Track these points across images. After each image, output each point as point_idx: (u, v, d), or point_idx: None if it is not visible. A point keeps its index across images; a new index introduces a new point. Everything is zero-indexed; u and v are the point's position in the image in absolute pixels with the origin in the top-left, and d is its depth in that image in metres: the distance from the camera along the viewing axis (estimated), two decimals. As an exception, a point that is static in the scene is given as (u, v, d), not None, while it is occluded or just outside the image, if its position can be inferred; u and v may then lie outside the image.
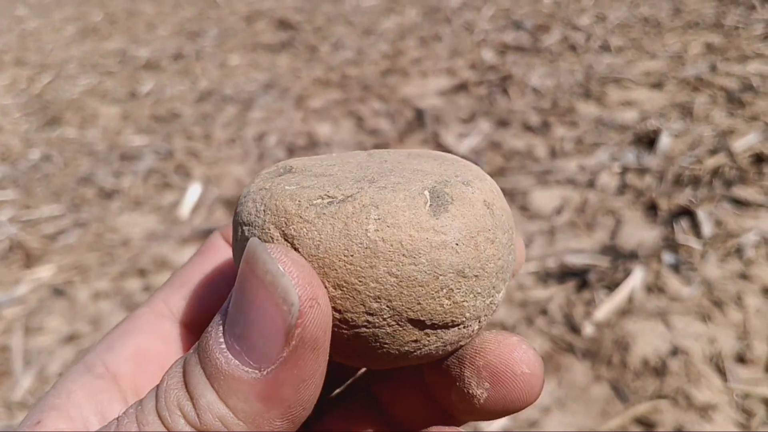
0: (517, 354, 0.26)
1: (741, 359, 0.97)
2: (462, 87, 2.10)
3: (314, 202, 0.25)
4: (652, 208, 1.34)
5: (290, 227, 0.24)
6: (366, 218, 0.24)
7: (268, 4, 3.63)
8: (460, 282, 0.24)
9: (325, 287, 0.23)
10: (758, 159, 1.44)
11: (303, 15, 3.29)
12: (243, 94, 2.30)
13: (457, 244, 0.24)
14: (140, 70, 2.73)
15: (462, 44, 2.52)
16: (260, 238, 0.25)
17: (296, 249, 0.24)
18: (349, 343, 0.25)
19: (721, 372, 0.95)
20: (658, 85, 1.91)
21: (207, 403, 0.21)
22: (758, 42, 2.09)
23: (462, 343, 0.27)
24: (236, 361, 0.21)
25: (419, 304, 0.24)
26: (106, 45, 3.16)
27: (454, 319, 0.25)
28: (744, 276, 1.12)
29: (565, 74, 2.08)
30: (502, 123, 1.81)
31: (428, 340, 0.25)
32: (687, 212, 1.30)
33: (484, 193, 0.27)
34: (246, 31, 3.14)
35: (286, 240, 0.24)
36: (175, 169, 1.80)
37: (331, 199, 0.25)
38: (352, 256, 0.23)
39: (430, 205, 0.25)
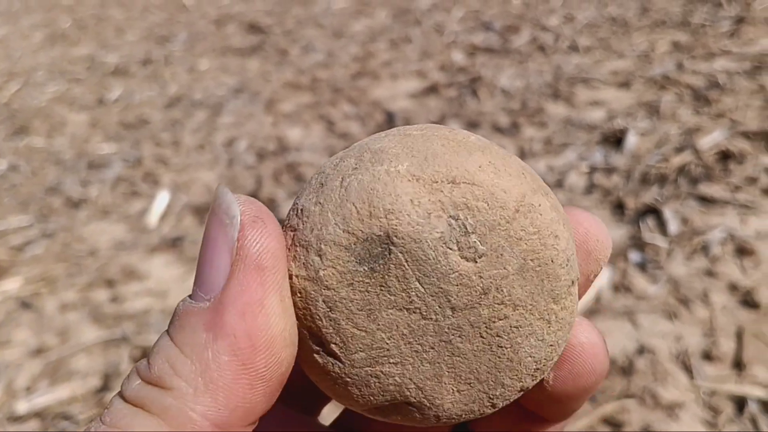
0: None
1: (707, 356, 0.98)
2: (432, 89, 2.11)
3: None
4: (619, 207, 1.35)
5: None
6: None
7: (237, 8, 3.61)
8: None
9: None
10: (724, 156, 1.46)
11: (273, 18, 3.27)
12: (212, 98, 2.28)
13: None
14: (109, 76, 2.70)
15: (432, 46, 2.52)
16: None
17: None
18: None
19: (688, 370, 0.96)
20: (625, 85, 1.93)
21: (159, 347, 0.20)
22: (725, 39, 2.12)
23: None
24: (190, 300, 0.20)
25: None
26: (75, 51, 3.12)
27: None
28: (710, 273, 1.13)
29: (534, 75, 2.09)
30: (472, 124, 1.82)
31: None
32: (653, 211, 1.31)
33: None
34: (216, 35, 3.12)
35: None
36: (144, 176, 1.79)
37: None
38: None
39: None
